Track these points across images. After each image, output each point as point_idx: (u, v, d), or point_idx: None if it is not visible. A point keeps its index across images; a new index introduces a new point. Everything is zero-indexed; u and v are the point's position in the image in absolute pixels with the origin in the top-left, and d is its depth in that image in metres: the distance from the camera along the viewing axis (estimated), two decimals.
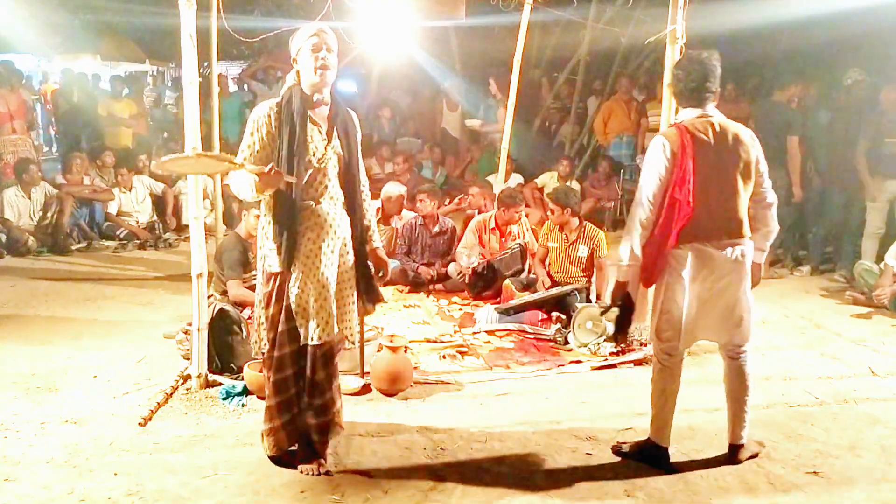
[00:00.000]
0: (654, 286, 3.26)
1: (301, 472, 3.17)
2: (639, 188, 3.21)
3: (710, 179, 3.11)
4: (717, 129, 3.13)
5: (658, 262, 3.17)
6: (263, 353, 3.25)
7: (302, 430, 3.22)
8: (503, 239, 6.22)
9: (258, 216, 4.91)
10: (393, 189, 6.86)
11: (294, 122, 3.00)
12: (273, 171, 2.87)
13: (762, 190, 3.24)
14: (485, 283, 5.96)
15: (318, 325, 3.07)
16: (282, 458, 3.23)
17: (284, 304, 3.08)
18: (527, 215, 6.41)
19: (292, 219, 3.04)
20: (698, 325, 3.21)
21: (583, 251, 5.55)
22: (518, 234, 6.21)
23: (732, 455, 3.34)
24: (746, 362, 3.31)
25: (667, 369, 3.29)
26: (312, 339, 3.09)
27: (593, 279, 5.63)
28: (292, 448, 3.26)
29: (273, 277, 3.09)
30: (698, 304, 3.16)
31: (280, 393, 3.17)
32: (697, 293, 3.15)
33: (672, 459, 3.32)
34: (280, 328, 3.10)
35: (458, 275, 6.15)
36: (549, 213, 5.83)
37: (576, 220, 5.63)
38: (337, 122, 3.16)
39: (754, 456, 3.36)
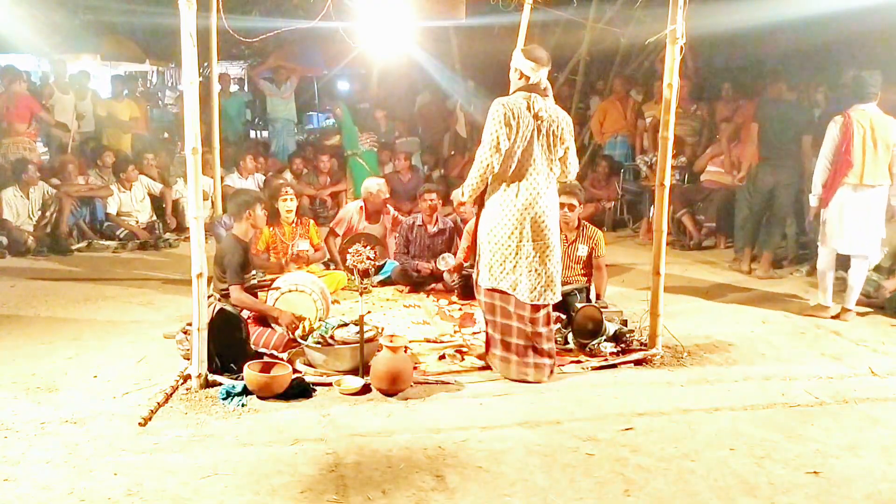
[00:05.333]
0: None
1: None
2: (822, 150, 5.45)
3: (863, 147, 5.23)
4: (871, 117, 5.26)
5: (830, 193, 5.39)
6: None
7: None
8: None
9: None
10: (373, 184, 6.85)
11: None
12: None
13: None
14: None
15: None
16: None
17: None
18: None
19: None
20: (836, 235, 5.38)
21: (582, 251, 5.53)
22: None
23: (842, 314, 5.44)
24: (864, 266, 5.41)
25: (825, 251, 5.49)
26: None
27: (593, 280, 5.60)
28: None
29: None
30: (844, 220, 5.34)
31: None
32: (848, 213, 5.32)
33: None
34: None
35: (451, 280, 6.11)
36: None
37: (575, 220, 5.60)
38: None
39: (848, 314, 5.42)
